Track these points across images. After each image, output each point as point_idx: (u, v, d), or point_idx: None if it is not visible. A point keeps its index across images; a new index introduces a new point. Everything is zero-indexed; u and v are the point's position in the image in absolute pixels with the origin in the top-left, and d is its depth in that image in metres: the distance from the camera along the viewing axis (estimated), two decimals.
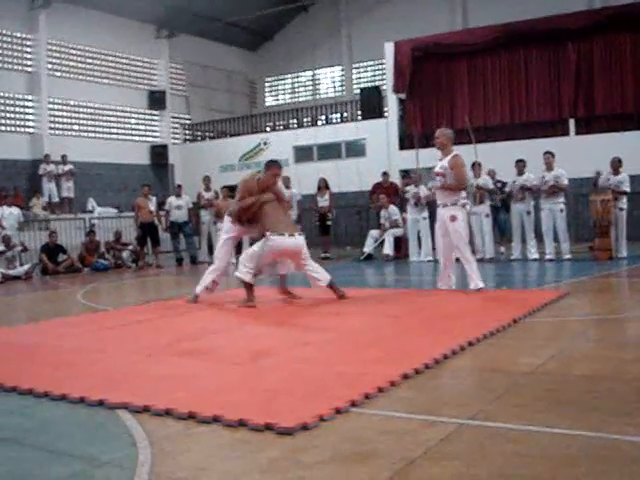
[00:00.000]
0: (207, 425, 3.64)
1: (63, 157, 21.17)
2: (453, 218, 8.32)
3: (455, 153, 8.61)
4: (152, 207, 16.86)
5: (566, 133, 18.94)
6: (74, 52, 23.47)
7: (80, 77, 23.58)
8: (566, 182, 12.90)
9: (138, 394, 4.18)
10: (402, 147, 20.58)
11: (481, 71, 20.60)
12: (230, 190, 16.96)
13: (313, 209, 16.90)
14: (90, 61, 23.94)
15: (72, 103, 23.32)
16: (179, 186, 18.24)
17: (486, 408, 3.76)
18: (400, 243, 15.33)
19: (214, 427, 3.61)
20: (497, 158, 14.90)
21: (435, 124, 20.20)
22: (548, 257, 12.95)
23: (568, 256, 12.83)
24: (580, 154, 14.92)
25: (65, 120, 23.15)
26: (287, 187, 16.75)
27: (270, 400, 3.96)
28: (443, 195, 8.63)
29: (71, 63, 23.40)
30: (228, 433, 3.52)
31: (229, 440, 3.44)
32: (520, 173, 13.46)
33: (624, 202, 12.91)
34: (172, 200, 17.43)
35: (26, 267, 15.25)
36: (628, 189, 12.94)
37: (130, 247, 17.43)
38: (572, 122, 19.06)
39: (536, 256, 13.17)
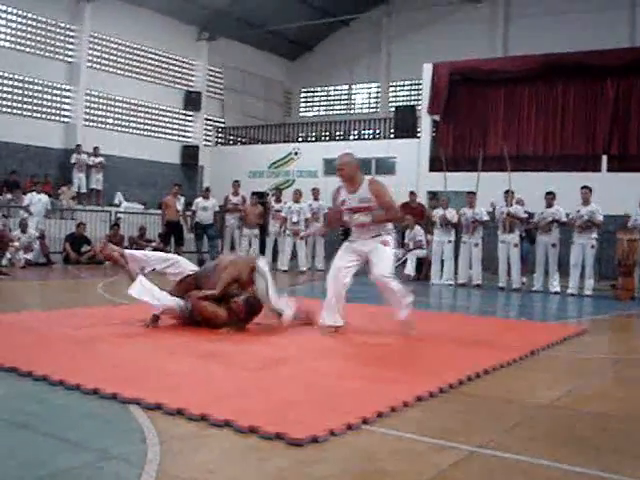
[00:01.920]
0: (218, 428, 3.64)
1: (95, 149, 21.35)
2: (386, 242, 7.01)
3: (370, 178, 7.40)
4: (179, 207, 16.97)
5: (598, 169, 18.82)
6: (115, 46, 23.66)
7: (119, 71, 23.76)
8: (600, 218, 12.82)
9: (152, 391, 4.18)
10: (432, 169, 20.54)
11: (517, 100, 20.55)
12: (260, 197, 17.06)
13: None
14: (130, 56, 24.13)
15: (108, 96, 23.49)
16: (207, 189, 18.33)
17: (498, 438, 3.73)
18: (422, 264, 15.28)
19: (225, 431, 3.61)
20: (526, 188, 14.84)
21: (467, 148, 20.32)
22: (570, 291, 12.86)
23: (590, 292, 12.74)
24: (610, 191, 14.82)
25: (100, 112, 23.33)
26: (316, 199, 16.82)
27: (283, 409, 3.96)
28: (370, 230, 7.13)
29: (111, 57, 23.59)
30: (238, 438, 3.52)
31: (239, 445, 3.44)
32: (549, 205, 13.40)
33: None
34: (199, 201, 17.51)
35: (26, 256, 14.92)
36: None
37: (153, 244, 17.50)
38: (605, 158, 18.95)
39: (558, 289, 13.09)
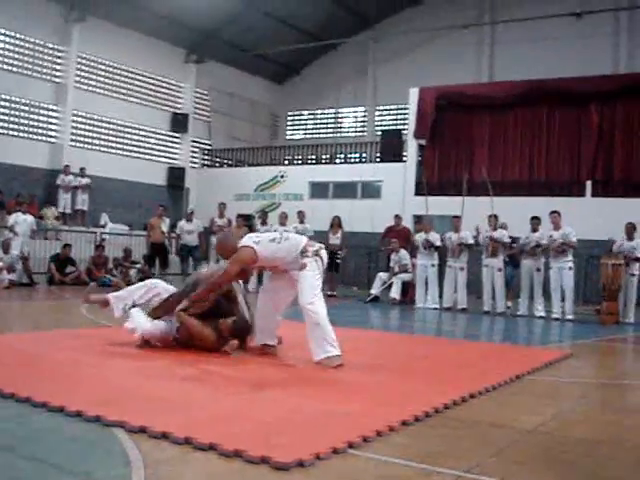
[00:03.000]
0: (203, 452, 3.60)
1: (82, 170, 21.32)
2: (304, 265, 6.68)
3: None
4: (165, 228, 16.95)
5: (582, 194, 18.96)
6: (103, 67, 23.69)
7: (106, 92, 23.78)
8: (574, 240, 12.88)
9: (136, 414, 4.15)
10: (418, 193, 20.64)
11: (503, 125, 20.71)
12: (245, 219, 17.01)
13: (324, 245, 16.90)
14: (117, 77, 24.16)
15: (95, 117, 23.49)
16: (191, 212, 18.32)
17: (484, 462, 3.72)
18: (407, 288, 15.29)
19: (210, 455, 3.58)
20: (511, 213, 14.93)
21: (453, 173, 20.40)
22: (554, 316, 12.90)
23: (571, 316, 12.78)
24: (594, 216, 14.95)
25: (87, 133, 23.31)
26: (301, 222, 16.84)
27: (268, 433, 3.93)
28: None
29: (99, 78, 23.61)
30: (223, 462, 3.49)
31: (224, 469, 3.41)
32: (534, 230, 13.46)
33: (637, 268, 12.90)
34: (183, 224, 17.52)
35: (8, 277, 14.70)
36: None
37: (138, 265, 17.45)
38: (589, 184, 19.09)
39: (542, 314, 13.12)
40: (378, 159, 23.67)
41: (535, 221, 13.55)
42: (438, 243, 14.42)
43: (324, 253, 6.91)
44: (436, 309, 14.12)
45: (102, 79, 23.72)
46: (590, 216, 14.10)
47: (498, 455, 3.90)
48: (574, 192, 18.97)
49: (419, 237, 14.76)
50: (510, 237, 13.97)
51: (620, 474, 3.66)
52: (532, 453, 3.99)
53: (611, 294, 12.68)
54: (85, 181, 21.36)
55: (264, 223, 17.38)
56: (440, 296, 14.40)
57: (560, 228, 13.02)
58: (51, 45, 22.08)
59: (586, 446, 4.19)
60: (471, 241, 14.10)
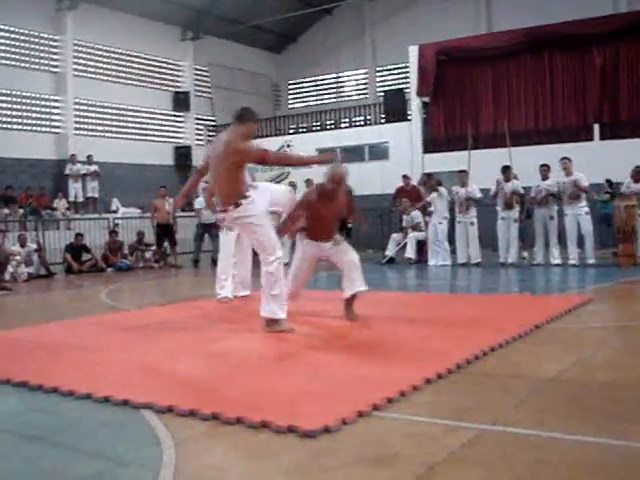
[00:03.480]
0: (230, 426, 3.67)
1: (89, 157, 21.34)
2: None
3: None
4: (168, 208, 16.96)
5: (590, 138, 18.82)
6: (100, 53, 23.62)
7: (105, 78, 23.72)
8: (586, 184, 12.80)
9: (162, 394, 4.22)
10: (426, 150, 20.56)
11: (505, 75, 20.52)
12: None
13: None
14: (116, 62, 24.08)
15: (97, 104, 23.46)
16: (205, 188, 18.28)
17: (508, 414, 3.76)
18: (423, 247, 15.26)
19: (237, 428, 3.64)
20: (521, 163, 14.83)
21: (459, 127, 20.27)
22: (571, 262, 12.87)
23: (592, 261, 12.73)
24: (604, 159, 14.86)
25: (90, 120, 23.30)
26: None
27: (293, 403, 3.99)
28: None
29: (97, 64, 23.55)
30: (251, 435, 3.55)
31: (252, 442, 3.47)
32: (544, 178, 13.38)
33: None
34: (201, 200, 17.47)
35: (27, 270, 14.77)
36: None
37: (153, 247, 17.52)
38: (597, 127, 18.95)
39: (559, 261, 13.09)
40: (383, 120, 23.55)
41: (544, 168, 13.45)
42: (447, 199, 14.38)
43: None
44: (445, 266, 14.07)
45: (100, 65, 23.65)
46: (600, 159, 14.01)
47: (521, 405, 3.94)
48: (582, 137, 18.81)
49: (431, 195, 14.66)
50: (523, 187, 13.89)
51: None
52: (555, 401, 4.02)
53: (626, 236, 12.62)
54: (93, 168, 21.39)
55: None
56: (453, 252, 14.38)
57: (571, 174, 12.93)
58: (46, 35, 22.00)
59: (609, 390, 4.22)
60: (479, 195, 14.00)
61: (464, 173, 14.15)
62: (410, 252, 15.02)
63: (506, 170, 13.63)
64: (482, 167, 14.64)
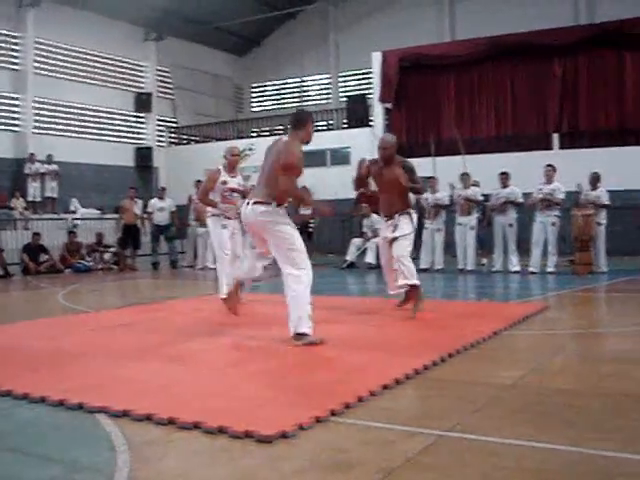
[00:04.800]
0: (187, 431, 3.63)
1: (48, 157, 21.07)
2: None
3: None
4: (137, 210, 16.85)
5: (550, 147, 19.05)
6: (61, 51, 23.35)
7: (67, 77, 23.45)
8: (561, 196, 12.93)
9: (118, 398, 4.16)
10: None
11: (468, 83, 20.70)
12: None
13: (296, 217, 16.87)
14: (77, 61, 23.82)
15: (58, 102, 23.19)
16: (163, 189, 18.23)
17: (466, 420, 3.78)
18: None
19: (194, 433, 3.60)
20: (482, 170, 14.96)
21: (421, 134, 20.39)
22: (530, 270, 13.00)
23: (552, 269, 12.87)
24: (563, 168, 14.96)
25: (50, 119, 23.03)
26: None
27: (250, 407, 3.97)
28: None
29: (58, 62, 23.27)
30: (208, 440, 3.52)
31: (209, 447, 3.44)
32: (504, 186, 13.53)
33: (603, 217, 13.00)
34: (155, 202, 17.39)
35: None
36: (608, 202, 13.04)
37: (112, 249, 17.36)
38: (556, 136, 19.18)
39: (517, 268, 13.23)
40: (345, 125, 23.59)
41: (504, 176, 13.60)
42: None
43: None
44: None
45: (62, 64, 23.38)
46: (559, 168, 14.12)
47: (479, 412, 3.96)
48: (542, 145, 19.03)
49: None
50: (482, 194, 14.02)
51: (598, 422, 3.73)
52: (512, 407, 4.05)
53: (583, 244, 12.81)
54: (53, 168, 21.13)
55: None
56: (417, 257, 14.43)
57: (552, 182, 13.07)
58: (6, 32, 21.68)
59: (565, 397, 4.26)
60: (447, 202, 14.12)
61: (433, 179, 14.22)
62: (370, 257, 15.06)
63: (464, 177, 13.77)
64: (444, 174, 14.72)
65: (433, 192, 14.17)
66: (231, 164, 9.31)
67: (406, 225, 7.75)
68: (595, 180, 13.14)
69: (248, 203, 6.30)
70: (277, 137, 6.97)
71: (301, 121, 6.48)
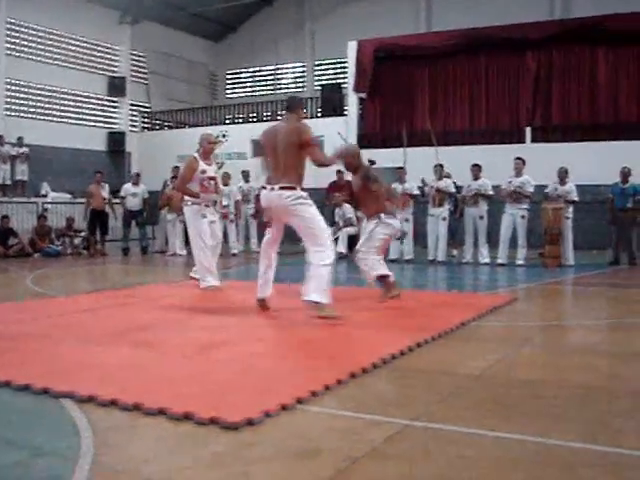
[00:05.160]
0: (152, 417, 3.62)
1: (19, 139, 20.80)
2: None
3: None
4: (105, 194, 16.71)
5: (522, 141, 19.15)
6: (34, 32, 23.04)
7: (39, 58, 23.17)
8: (530, 189, 13.04)
9: (84, 383, 4.14)
10: (361, 146, 20.61)
11: (442, 75, 20.73)
12: None
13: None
14: (51, 43, 23.53)
15: (30, 84, 22.92)
16: (137, 174, 18.09)
17: (431, 409, 3.80)
18: (354, 241, 15.30)
19: (159, 419, 3.59)
20: (454, 162, 15.02)
21: (395, 124, 20.40)
22: (500, 261, 13.10)
23: (522, 262, 12.98)
24: (535, 162, 15.08)
25: (22, 102, 22.77)
26: (246, 181, 16.80)
27: (217, 394, 3.96)
28: None
29: (31, 44, 22.97)
30: (173, 426, 3.51)
31: (174, 433, 3.43)
32: (475, 178, 13.61)
33: (570, 211, 13.11)
34: (128, 187, 17.30)
35: None
36: (576, 198, 13.16)
37: (82, 234, 17.24)
38: (528, 130, 19.29)
39: (487, 260, 13.32)
40: (319, 114, 23.55)
41: (475, 168, 13.68)
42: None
43: None
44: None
45: (35, 45, 23.08)
46: (530, 162, 14.22)
47: (445, 401, 3.98)
48: (514, 139, 19.13)
49: None
50: (455, 186, 14.09)
51: (562, 413, 3.77)
52: (479, 398, 4.08)
53: (552, 238, 12.92)
54: (23, 150, 20.89)
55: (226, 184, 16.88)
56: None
57: (521, 175, 13.16)
58: None
59: (531, 388, 4.30)
60: (416, 192, 14.20)
61: (402, 170, 14.29)
62: (341, 246, 15.07)
63: (437, 169, 13.84)
64: (416, 165, 14.77)
65: (402, 182, 14.22)
66: (207, 152, 9.30)
67: (375, 231, 8.10)
68: (563, 175, 13.25)
69: (273, 188, 6.64)
70: (272, 124, 7.25)
71: (297, 103, 6.96)
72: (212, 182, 9.16)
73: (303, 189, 6.71)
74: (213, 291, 8.85)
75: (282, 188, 6.57)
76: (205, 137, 9.42)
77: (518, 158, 13.34)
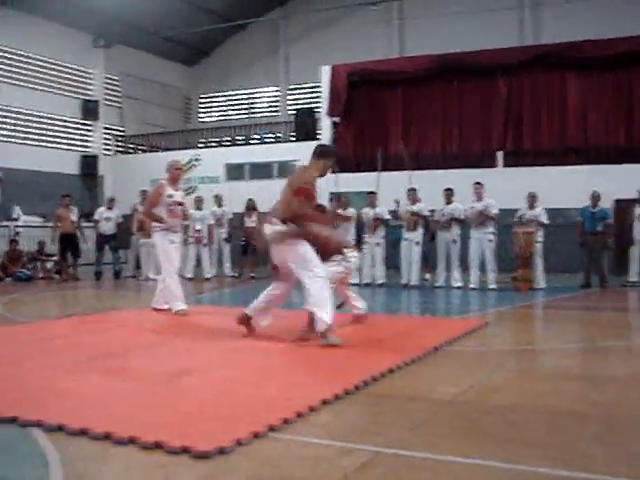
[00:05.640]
0: (123, 446, 3.58)
1: None
2: None
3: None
4: (74, 217, 16.54)
5: (494, 165, 19.32)
6: (7, 55, 22.95)
7: (12, 81, 23.06)
8: (495, 211, 13.15)
9: (53, 412, 4.10)
10: (333, 171, 20.68)
11: (415, 99, 20.89)
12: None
13: (240, 230, 16.84)
14: (23, 66, 23.43)
15: (3, 107, 22.80)
16: (112, 199, 17.95)
17: (403, 436, 3.80)
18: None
19: (130, 449, 3.56)
20: (426, 186, 15.11)
21: (368, 149, 20.51)
22: (472, 286, 13.16)
23: (493, 286, 13.05)
24: (506, 186, 15.24)
25: None
26: (219, 205, 16.78)
27: (188, 422, 3.93)
28: None
29: (4, 66, 22.88)
30: (143, 455, 3.47)
31: (144, 462, 3.40)
32: (448, 202, 13.70)
33: (541, 235, 13.24)
34: (102, 211, 17.20)
35: None
36: (547, 221, 13.29)
37: (54, 258, 17.10)
38: (500, 154, 19.46)
39: (460, 284, 13.38)
40: (293, 138, 23.62)
41: (448, 192, 13.77)
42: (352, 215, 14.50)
43: None
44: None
45: (7, 68, 22.99)
46: (503, 186, 14.39)
47: (418, 428, 3.98)
48: (486, 163, 19.28)
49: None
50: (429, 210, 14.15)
51: (534, 439, 3.78)
52: (451, 424, 4.09)
53: (524, 261, 13.01)
54: None
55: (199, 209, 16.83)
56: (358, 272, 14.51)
57: (482, 199, 13.26)
58: None
59: (502, 413, 4.31)
60: (387, 216, 14.27)
61: (373, 194, 14.36)
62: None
63: (410, 193, 13.91)
64: (390, 188, 14.86)
65: (373, 207, 14.28)
66: (174, 177, 9.39)
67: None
68: (532, 200, 13.39)
69: (271, 223, 6.71)
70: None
71: (324, 154, 6.95)
72: (178, 207, 9.22)
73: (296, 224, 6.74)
74: (183, 316, 8.83)
75: (274, 223, 6.74)
76: (172, 163, 9.60)
77: (477, 183, 13.45)
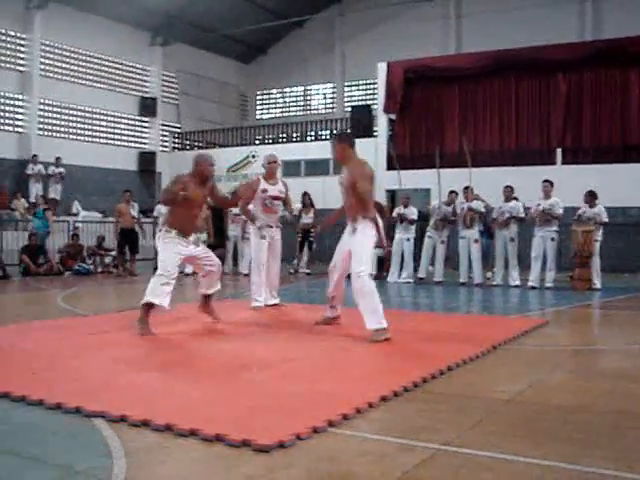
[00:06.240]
0: (184, 438, 3.62)
1: (57, 159, 21.17)
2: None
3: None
4: (134, 213, 16.75)
5: (553, 162, 19.07)
6: (68, 54, 23.42)
7: (72, 79, 23.52)
8: (560, 211, 12.91)
9: (116, 403, 4.15)
10: (390, 167, 20.64)
11: (472, 96, 20.74)
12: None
13: (297, 226, 16.88)
14: (83, 64, 23.89)
15: (63, 105, 23.25)
16: None
17: (462, 434, 3.77)
18: (382, 263, 15.27)
19: (191, 441, 3.59)
20: (484, 183, 14.98)
21: (424, 146, 20.43)
22: (530, 284, 12.98)
23: (550, 284, 12.87)
24: (565, 184, 15.02)
25: (55, 121, 23.08)
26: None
27: (248, 416, 3.96)
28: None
29: (64, 65, 23.35)
30: (204, 447, 3.51)
31: (205, 455, 3.43)
32: (507, 199, 13.53)
33: (599, 234, 12.96)
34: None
35: None
36: (606, 220, 13.01)
37: (112, 253, 17.35)
38: (559, 152, 19.21)
39: (518, 283, 13.22)
40: None
41: (508, 189, 13.60)
42: (414, 217, 14.47)
43: None
44: (409, 283, 14.14)
45: (67, 66, 23.45)
46: (561, 184, 14.16)
47: (476, 426, 3.95)
48: (545, 160, 19.06)
49: (396, 211, 14.76)
50: (485, 207, 13.98)
51: (594, 439, 3.72)
52: (510, 422, 4.04)
53: (583, 261, 12.80)
54: (59, 170, 21.20)
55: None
56: (415, 269, 14.46)
57: (550, 197, 13.04)
58: (13, 33, 21.79)
59: (562, 413, 4.25)
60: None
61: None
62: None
63: (466, 190, 13.77)
64: (447, 186, 14.77)
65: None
66: (269, 171, 9.19)
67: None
68: (591, 197, 13.12)
69: None
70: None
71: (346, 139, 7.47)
72: (275, 201, 9.08)
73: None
74: (257, 311, 8.85)
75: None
76: (267, 157, 9.39)
77: (546, 180, 13.22)
